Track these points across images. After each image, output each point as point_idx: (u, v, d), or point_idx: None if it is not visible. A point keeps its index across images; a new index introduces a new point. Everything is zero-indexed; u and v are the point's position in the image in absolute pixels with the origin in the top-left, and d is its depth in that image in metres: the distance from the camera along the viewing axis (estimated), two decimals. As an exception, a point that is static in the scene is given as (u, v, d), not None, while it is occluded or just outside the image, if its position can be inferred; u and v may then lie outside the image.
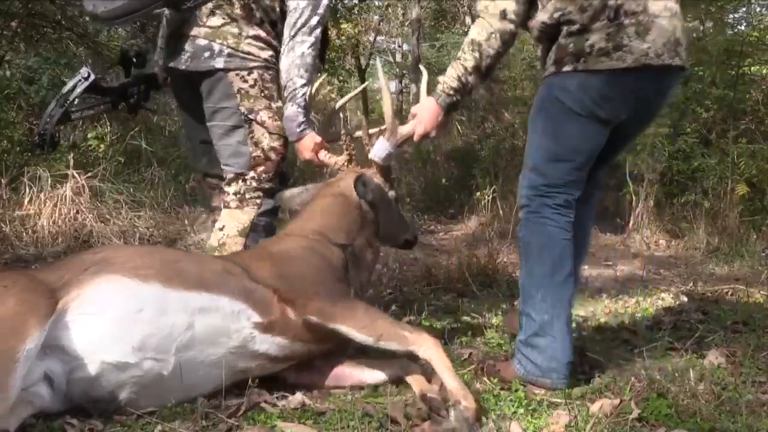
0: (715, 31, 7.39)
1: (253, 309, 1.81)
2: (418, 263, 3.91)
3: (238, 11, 2.32)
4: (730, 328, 2.53)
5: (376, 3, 12.88)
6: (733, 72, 6.52)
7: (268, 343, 1.83)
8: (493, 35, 1.97)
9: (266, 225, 2.42)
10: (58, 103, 2.30)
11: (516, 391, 1.89)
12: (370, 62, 13.80)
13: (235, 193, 2.39)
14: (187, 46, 2.32)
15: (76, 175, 4.25)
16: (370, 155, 2.26)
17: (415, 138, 2.17)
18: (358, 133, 2.39)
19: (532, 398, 1.83)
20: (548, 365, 1.93)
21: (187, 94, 2.47)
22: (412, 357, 1.88)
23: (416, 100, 2.28)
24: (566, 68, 1.94)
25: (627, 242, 5.51)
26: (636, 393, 1.79)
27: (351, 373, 1.98)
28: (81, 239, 4.05)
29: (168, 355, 1.67)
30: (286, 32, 2.31)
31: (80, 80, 2.27)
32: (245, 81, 2.34)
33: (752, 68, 7.04)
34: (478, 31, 1.99)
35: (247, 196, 2.39)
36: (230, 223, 2.37)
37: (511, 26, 1.98)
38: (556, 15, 1.95)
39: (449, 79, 2.05)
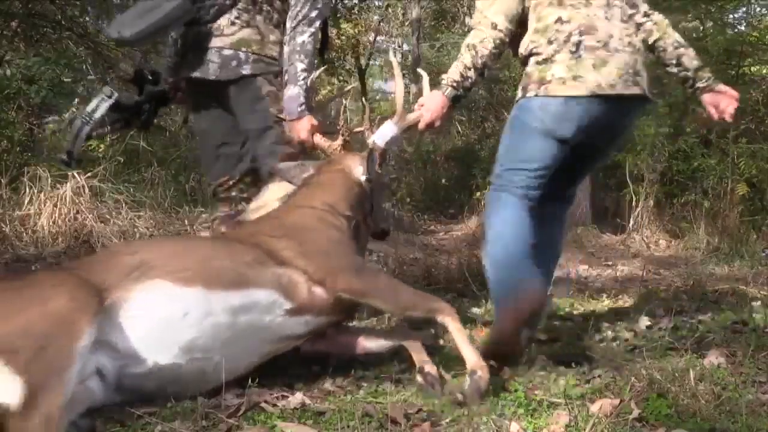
0: (715, 31, 7.40)
1: (284, 297, 1.88)
2: (418, 263, 3.91)
3: (257, 17, 2.44)
4: (730, 328, 2.53)
5: (376, 3, 12.88)
6: (733, 72, 6.53)
7: (297, 325, 1.91)
8: (486, 39, 2.25)
9: None
10: (84, 122, 2.38)
11: (516, 391, 1.89)
12: (370, 62, 13.81)
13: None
14: (214, 57, 2.41)
15: (76, 175, 4.25)
16: (374, 137, 2.35)
17: (421, 125, 2.33)
18: (358, 129, 2.47)
19: (532, 398, 1.83)
20: None
21: (208, 102, 2.55)
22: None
23: (416, 100, 2.44)
24: (530, 94, 2.24)
25: (627, 242, 5.51)
26: (636, 393, 1.79)
27: (357, 341, 2.07)
28: (81, 239, 4.06)
29: (213, 353, 1.75)
30: (288, 24, 2.41)
31: (103, 99, 2.38)
32: (272, 84, 2.46)
33: (752, 68, 7.05)
34: (472, 37, 2.27)
35: None
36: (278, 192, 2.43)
37: (501, 35, 2.25)
38: (529, 47, 2.26)
39: (452, 73, 2.27)
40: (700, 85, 2.35)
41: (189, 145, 7.34)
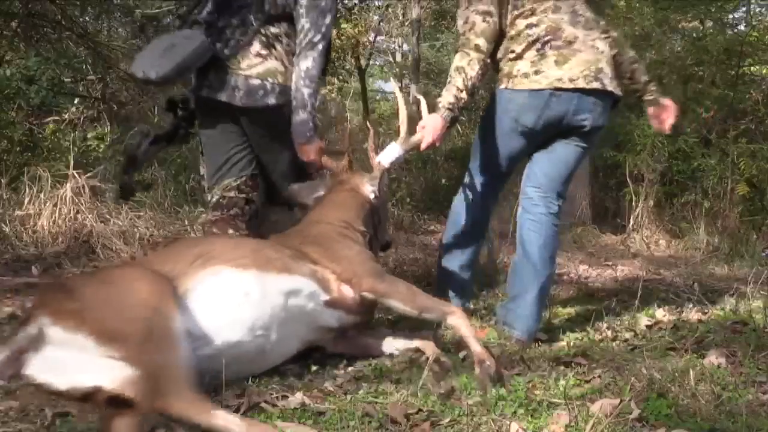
0: (715, 31, 7.40)
1: (321, 289, 2.10)
2: (418, 263, 3.91)
3: (279, 49, 2.54)
4: (730, 328, 2.53)
5: (376, 3, 12.86)
6: (733, 72, 6.53)
7: (331, 317, 2.13)
8: (472, 61, 2.50)
9: None
10: (130, 160, 2.66)
11: (516, 391, 1.89)
12: (370, 62, 13.79)
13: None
14: (240, 84, 2.49)
15: (76, 175, 4.24)
16: (379, 157, 2.56)
17: (423, 146, 2.52)
18: (365, 145, 2.65)
19: (532, 398, 1.83)
20: None
21: (224, 118, 2.62)
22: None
23: (416, 100, 2.79)
24: (501, 86, 2.56)
25: (627, 242, 5.51)
26: (636, 393, 1.79)
27: (374, 343, 2.28)
28: (81, 239, 4.05)
29: (271, 332, 1.95)
30: (296, 50, 2.51)
31: (143, 137, 2.62)
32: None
33: (752, 68, 7.04)
34: (460, 59, 2.52)
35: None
36: None
37: (483, 55, 2.53)
38: (503, 50, 2.57)
39: (447, 97, 2.50)
40: (647, 97, 2.71)
41: (189, 145, 7.34)
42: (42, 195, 4.12)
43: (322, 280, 2.11)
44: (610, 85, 2.50)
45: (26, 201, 4.13)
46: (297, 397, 1.81)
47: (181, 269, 1.86)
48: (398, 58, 15.29)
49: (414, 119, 2.56)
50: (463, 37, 2.55)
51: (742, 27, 8.24)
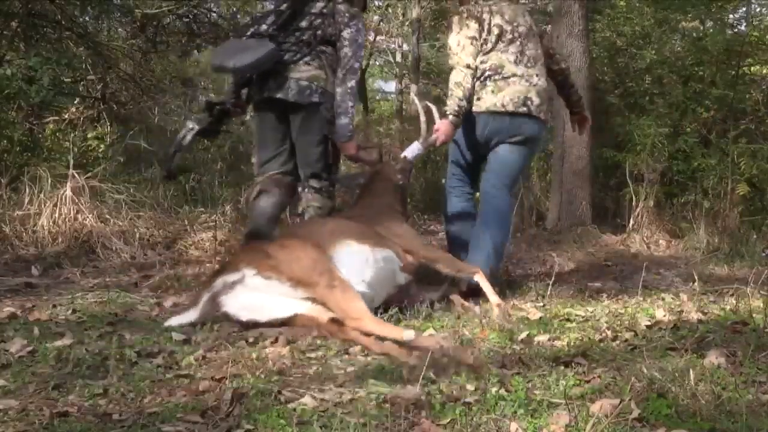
0: (715, 31, 7.40)
1: (397, 257, 2.88)
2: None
3: (323, 61, 3.31)
4: (730, 328, 2.52)
5: (376, 3, 12.86)
6: (733, 72, 6.53)
7: (401, 277, 2.90)
8: (466, 76, 3.29)
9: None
10: (176, 148, 3.28)
11: (516, 391, 1.89)
12: (370, 62, 13.79)
13: (320, 188, 3.39)
14: (293, 85, 3.24)
15: (76, 175, 4.25)
16: (405, 153, 3.41)
17: (438, 143, 3.37)
18: (383, 141, 3.86)
19: (532, 398, 1.83)
20: None
21: (276, 114, 3.36)
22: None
23: (428, 108, 3.51)
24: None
25: (627, 242, 5.50)
26: (636, 393, 1.79)
27: (420, 292, 2.98)
28: (81, 239, 4.05)
29: (376, 287, 2.67)
30: (339, 71, 3.30)
31: (190, 129, 3.24)
32: (329, 111, 3.30)
33: (752, 68, 7.04)
34: (456, 74, 3.31)
35: (327, 189, 3.43)
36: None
37: (472, 71, 3.32)
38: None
39: (452, 105, 3.28)
40: (576, 109, 3.82)
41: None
42: (42, 195, 4.13)
43: (397, 251, 2.88)
44: (536, 111, 3.36)
45: (26, 201, 4.14)
46: (297, 397, 1.81)
47: (323, 241, 2.59)
48: (398, 58, 15.28)
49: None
50: (456, 57, 3.33)
51: (742, 27, 8.24)
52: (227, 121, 3.44)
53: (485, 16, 3.36)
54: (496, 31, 3.34)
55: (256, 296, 2.40)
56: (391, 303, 2.79)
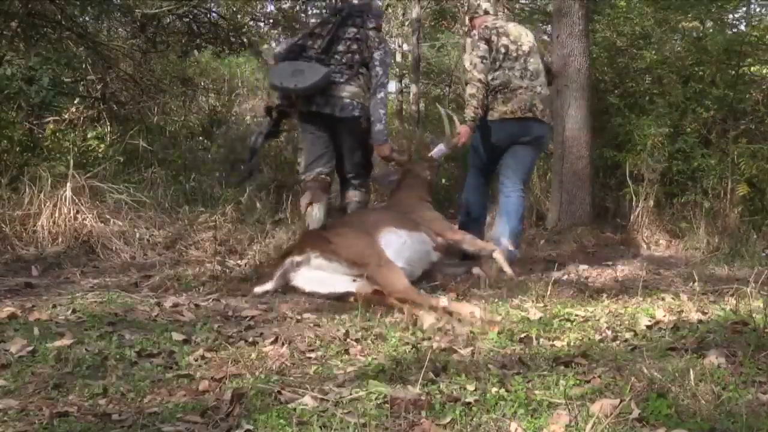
0: (715, 31, 7.39)
1: (430, 239, 3.59)
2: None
3: (361, 81, 3.95)
4: (730, 328, 2.52)
5: (377, 3, 12.83)
6: (733, 72, 6.52)
7: (434, 256, 3.62)
8: (479, 90, 3.94)
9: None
10: (251, 153, 4.18)
11: (516, 391, 1.89)
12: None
13: (359, 184, 4.15)
14: (338, 102, 3.89)
15: (76, 175, 4.24)
16: (432, 153, 4.17)
17: (459, 144, 4.05)
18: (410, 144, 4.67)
19: (532, 398, 1.83)
20: None
21: (321, 124, 3.97)
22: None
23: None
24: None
25: (627, 242, 5.50)
26: (636, 393, 1.79)
27: (448, 268, 3.71)
28: (81, 239, 4.05)
29: (413, 265, 3.38)
30: (372, 87, 3.93)
31: (260, 133, 4.13)
32: (366, 121, 3.91)
33: (752, 68, 7.03)
34: (471, 88, 3.98)
35: (365, 185, 4.21)
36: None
37: (484, 85, 3.96)
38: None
39: (469, 113, 3.95)
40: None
41: (189, 145, 7.34)
42: (42, 195, 4.12)
43: (429, 234, 3.57)
44: (540, 115, 4.03)
45: (26, 201, 4.13)
46: (297, 397, 1.81)
47: (369, 229, 3.30)
48: (398, 58, 15.27)
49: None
50: (470, 74, 3.99)
51: (742, 27, 8.24)
52: (285, 121, 4.23)
53: (493, 38, 4.02)
54: (503, 50, 4.02)
55: (318, 273, 3.11)
56: (426, 277, 3.47)
